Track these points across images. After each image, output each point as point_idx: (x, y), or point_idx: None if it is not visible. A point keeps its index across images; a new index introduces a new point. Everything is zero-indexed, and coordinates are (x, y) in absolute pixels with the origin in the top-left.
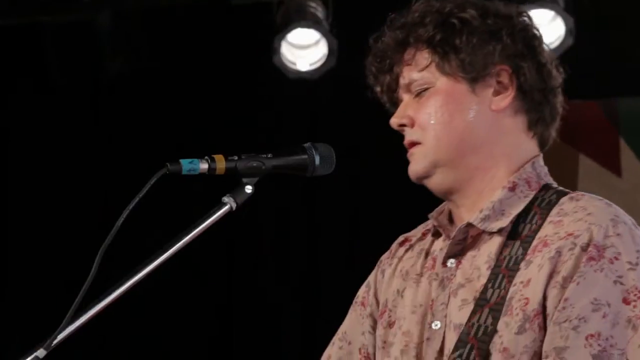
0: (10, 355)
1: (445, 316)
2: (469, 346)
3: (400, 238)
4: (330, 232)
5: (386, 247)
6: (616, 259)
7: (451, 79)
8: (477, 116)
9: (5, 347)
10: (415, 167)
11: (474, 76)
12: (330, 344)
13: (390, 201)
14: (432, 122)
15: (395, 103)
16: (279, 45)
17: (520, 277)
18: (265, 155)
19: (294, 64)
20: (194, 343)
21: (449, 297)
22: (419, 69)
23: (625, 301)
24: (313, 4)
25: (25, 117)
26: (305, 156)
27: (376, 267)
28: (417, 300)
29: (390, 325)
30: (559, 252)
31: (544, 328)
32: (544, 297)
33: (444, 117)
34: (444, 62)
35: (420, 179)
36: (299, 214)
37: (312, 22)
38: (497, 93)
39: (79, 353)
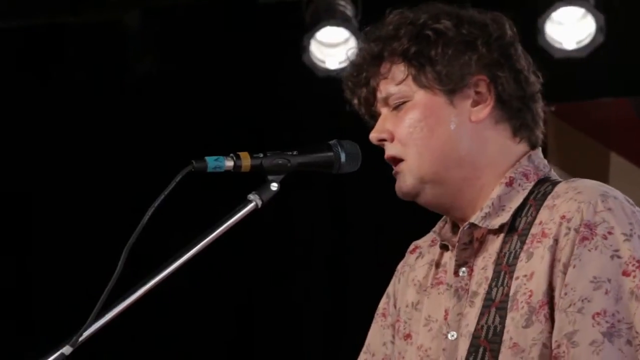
0: (37, 353)
1: (461, 326)
2: (481, 349)
3: (412, 246)
4: (357, 231)
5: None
6: (610, 233)
7: (428, 91)
8: (457, 128)
9: (32, 345)
10: (402, 185)
11: (451, 88)
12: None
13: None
14: (412, 137)
15: (374, 116)
16: (309, 44)
17: (521, 270)
18: (290, 153)
19: (323, 62)
20: (214, 342)
21: (467, 307)
22: (396, 83)
23: (625, 273)
24: (342, 2)
25: (52, 116)
26: (331, 153)
27: (394, 277)
28: (430, 314)
29: (405, 337)
30: (556, 240)
31: (550, 319)
32: (551, 288)
33: (423, 132)
34: (420, 74)
35: (407, 196)
36: (325, 211)
37: (341, 20)
38: (475, 104)
39: (102, 350)
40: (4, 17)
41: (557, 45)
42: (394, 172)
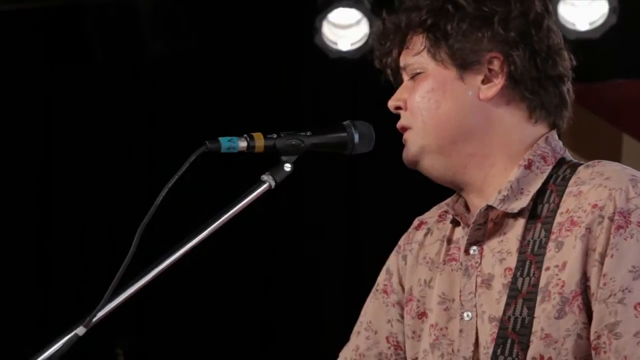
0: (51, 333)
1: (475, 306)
2: (509, 341)
3: (416, 222)
4: (371, 210)
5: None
6: None
7: (440, 65)
8: (464, 104)
9: (46, 325)
10: (406, 152)
11: (462, 63)
12: (354, 334)
13: (427, 179)
14: (420, 107)
15: (401, 84)
16: (321, 25)
17: (552, 260)
18: (304, 133)
19: (335, 43)
20: (230, 324)
21: (476, 286)
22: (414, 53)
23: None
24: None
25: (68, 96)
26: (345, 134)
27: (395, 253)
28: (444, 292)
29: (419, 316)
30: (589, 229)
31: (584, 309)
32: (586, 278)
33: (430, 104)
34: (434, 47)
35: (410, 164)
36: (341, 189)
37: (353, 1)
38: (487, 81)
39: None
40: None
41: (570, 27)
42: (403, 140)
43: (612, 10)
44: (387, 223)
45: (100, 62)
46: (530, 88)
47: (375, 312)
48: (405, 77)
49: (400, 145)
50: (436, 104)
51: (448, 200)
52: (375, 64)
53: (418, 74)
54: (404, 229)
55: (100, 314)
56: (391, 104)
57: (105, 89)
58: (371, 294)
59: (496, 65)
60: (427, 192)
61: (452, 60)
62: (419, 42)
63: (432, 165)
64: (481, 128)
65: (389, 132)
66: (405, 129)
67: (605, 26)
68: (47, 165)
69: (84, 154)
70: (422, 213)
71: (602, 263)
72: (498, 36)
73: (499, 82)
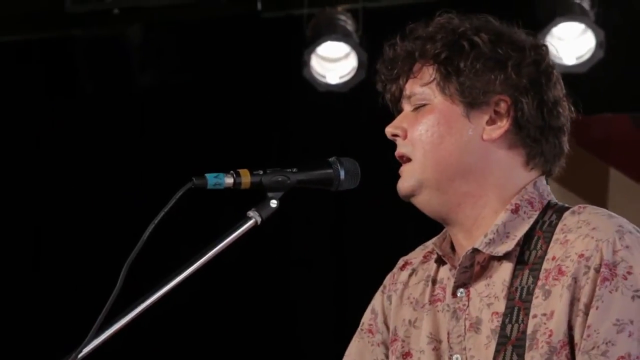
0: None
1: (464, 349)
2: None
3: (401, 262)
4: (359, 250)
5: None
6: (629, 273)
7: (448, 100)
8: (467, 142)
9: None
10: (402, 184)
11: (471, 101)
12: None
13: (417, 213)
14: (422, 139)
15: (400, 112)
16: (309, 58)
17: (539, 308)
18: (290, 170)
19: (324, 77)
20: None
21: (465, 329)
22: (422, 84)
23: None
24: (343, 17)
25: (57, 128)
26: (330, 170)
27: (380, 292)
28: (432, 331)
29: (404, 356)
30: (575, 279)
31: (571, 359)
32: (569, 327)
33: (433, 138)
34: (444, 81)
35: (406, 197)
36: (325, 228)
37: (342, 35)
38: (491, 122)
39: None
40: (12, 29)
41: (557, 61)
42: (399, 170)
43: (599, 44)
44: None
45: (89, 94)
46: (533, 136)
47: (360, 351)
48: (407, 107)
49: (387, 180)
50: (440, 138)
51: (434, 239)
52: (377, 88)
53: (423, 105)
54: (389, 264)
55: (86, 350)
56: (389, 130)
57: (93, 120)
58: (356, 334)
59: (503, 108)
60: (413, 228)
61: (461, 96)
62: (428, 73)
63: (428, 201)
64: (479, 168)
65: (376, 167)
66: (403, 158)
67: (592, 61)
68: (33, 203)
69: (71, 186)
70: (407, 248)
71: (586, 314)
72: (510, 80)
73: (503, 125)
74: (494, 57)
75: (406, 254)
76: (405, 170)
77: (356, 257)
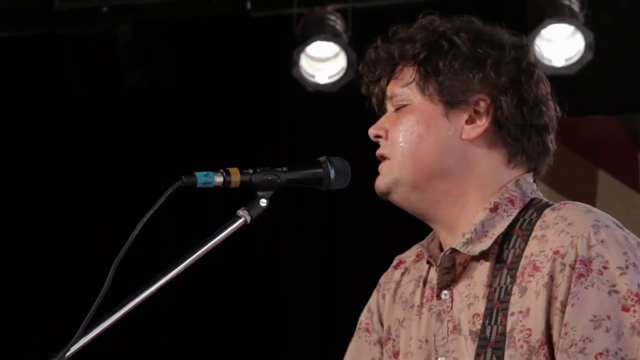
0: None
1: (448, 352)
2: None
3: (395, 260)
4: (349, 250)
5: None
6: (605, 268)
7: (428, 100)
8: (445, 141)
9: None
10: (379, 182)
11: (449, 100)
12: None
13: (406, 215)
14: (400, 139)
15: (384, 113)
16: (298, 58)
17: (516, 306)
18: (280, 169)
19: (313, 76)
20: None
21: (448, 331)
22: (402, 85)
23: (624, 308)
24: (332, 17)
25: (45, 127)
26: (321, 170)
27: (376, 292)
28: (422, 335)
29: (394, 355)
30: (551, 277)
31: (550, 358)
32: (548, 326)
33: (412, 137)
34: (424, 82)
35: (382, 194)
36: (316, 226)
37: (331, 35)
38: (471, 122)
39: None
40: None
41: (546, 62)
42: (378, 168)
43: (588, 46)
44: (363, 258)
45: (77, 93)
46: (514, 134)
47: (358, 350)
48: (390, 107)
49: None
50: (418, 138)
51: (423, 241)
52: (362, 91)
53: (404, 105)
54: (379, 263)
55: (73, 349)
56: (372, 132)
57: (82, 119)
58: (355, 332)
59: (482, 107)
60: (403, 228)
61: (440, 96)
62: (408, 74)
63: (405, 198)
64: (459, 167)
65: (366, 166)
66: (383, 158)
67: (582, 62)
68: (22, 200)
69: (59, 185)
70: (397, 247)
71: (563, 312)
72: (489, 79)
73: (482, 124)
74: (472, 56)
75: (396, 253)
76: (382, 168)
77: (346, 257)
